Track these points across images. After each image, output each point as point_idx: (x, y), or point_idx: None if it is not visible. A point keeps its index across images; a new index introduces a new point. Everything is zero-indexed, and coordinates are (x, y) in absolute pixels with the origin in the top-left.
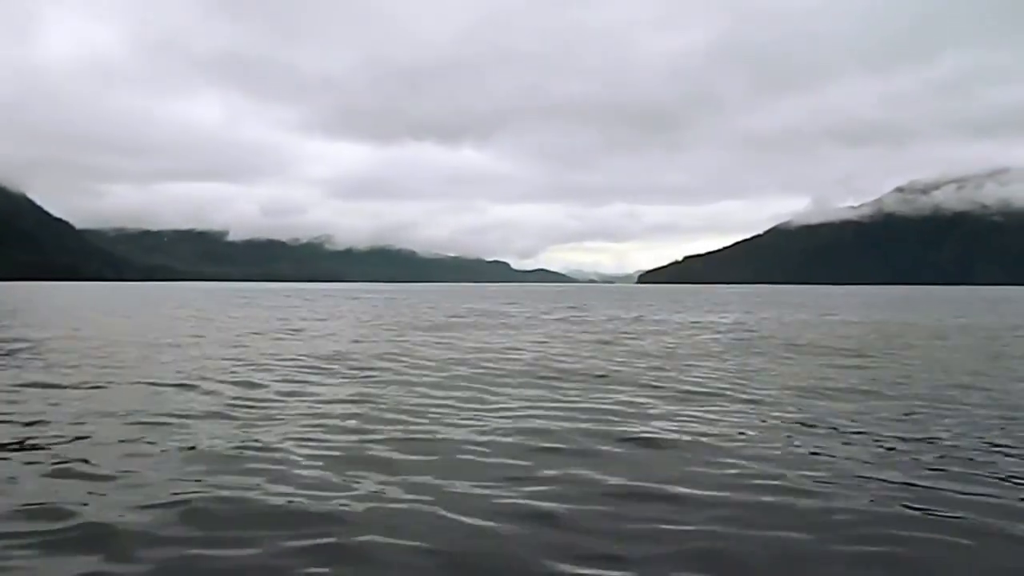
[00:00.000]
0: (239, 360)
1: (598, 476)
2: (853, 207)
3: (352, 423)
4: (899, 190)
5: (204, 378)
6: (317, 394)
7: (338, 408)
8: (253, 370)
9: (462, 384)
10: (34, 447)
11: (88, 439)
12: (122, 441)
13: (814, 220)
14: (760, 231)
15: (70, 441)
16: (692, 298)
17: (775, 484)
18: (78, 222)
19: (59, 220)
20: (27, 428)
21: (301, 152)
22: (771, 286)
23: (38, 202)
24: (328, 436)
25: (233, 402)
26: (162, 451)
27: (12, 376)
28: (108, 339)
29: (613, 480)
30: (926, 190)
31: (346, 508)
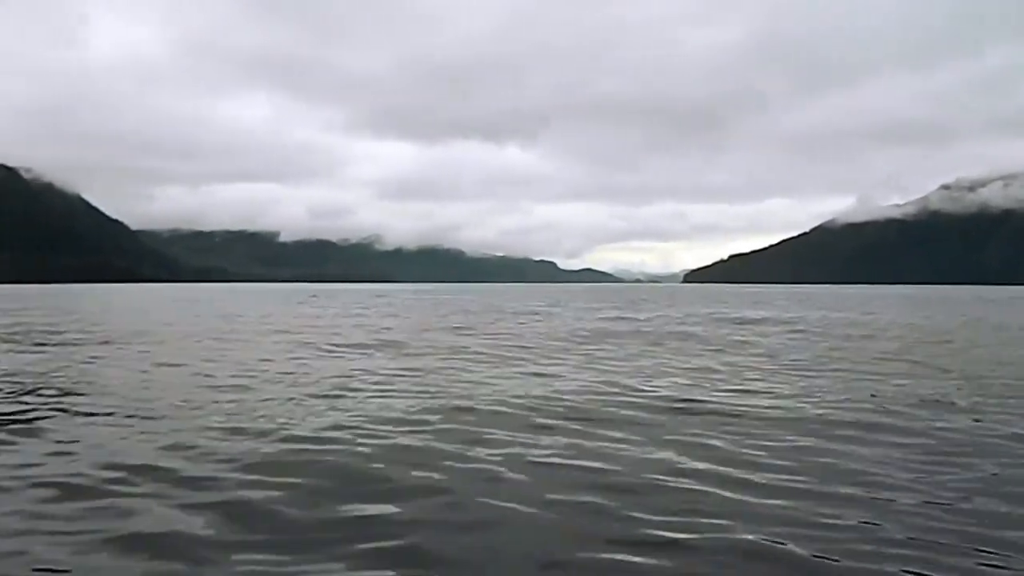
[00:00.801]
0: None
1: None
2: (898, 205)
3: None
4: (945, 188)
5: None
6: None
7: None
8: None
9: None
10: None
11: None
12: None
13: (859, 219)
14: (805, 230)
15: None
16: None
17: None
18: (133, 224)
19: (115, 221)
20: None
21: (349, 153)
22: (825, 286)
23: (94, 204)
24: None
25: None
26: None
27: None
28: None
29: None
30: (972, 187)
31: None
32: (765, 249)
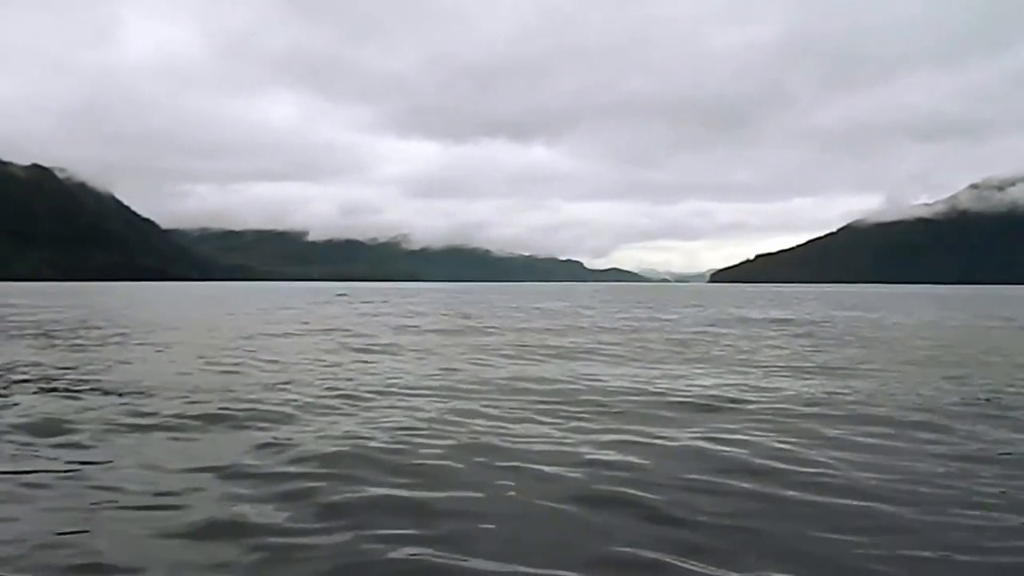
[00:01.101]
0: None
1: None
2: (927, 204)
3: None
4: (974, 187)
5: None
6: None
7: None
8: None
9: None
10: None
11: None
12: None
13: (887, 218)
14: (833, 229)
15: None
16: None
17: None
18: (163, 223)
19: (146, 220)
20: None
21: (375, 151)
22: (853, 286)
23: (126, 203)
24: None
25: None
26: None
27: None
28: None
29: None
30: (1002, 186)
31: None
32: (792, 249)
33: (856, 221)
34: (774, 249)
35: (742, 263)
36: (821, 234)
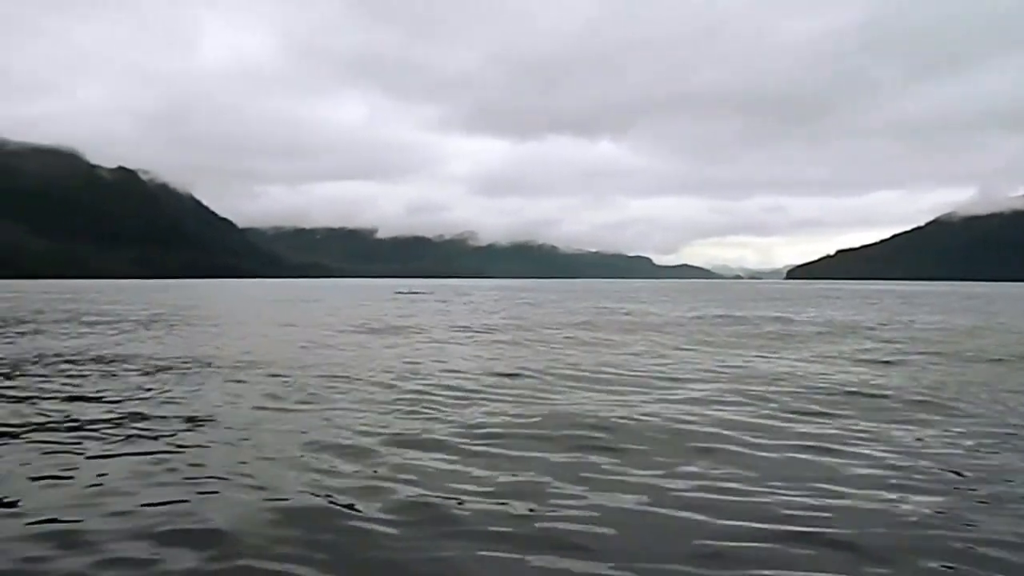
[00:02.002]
0: None
1: None
2: None
3: None
4: None
5: None
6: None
7: None
8: None
9: None
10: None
11: None
12: None
13: (980, 211)
14: (919, 223)
15: None
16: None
17: None
18: (239, 222)
19: (223, 220)
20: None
21: (442, 150)
22: (945, 283)
23: (205, 203)
24: None
25: None
26: None
27: None
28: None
29: None
30: None
31: None
32: (875, 244)
33: (945, 215)
34: (856, 244)
35: (821, 259)
36: (907, 229)
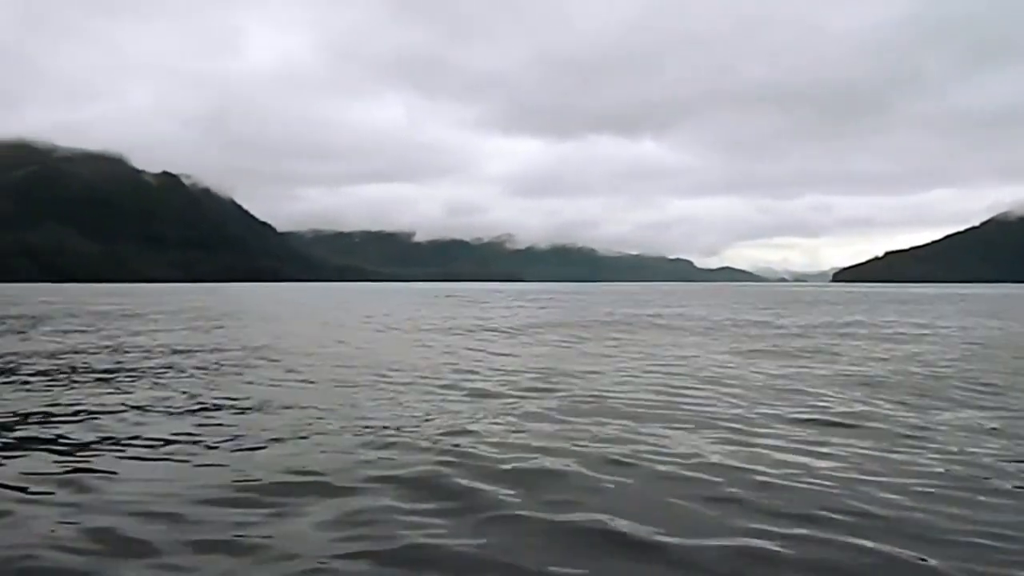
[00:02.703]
0: None
1: None
2: None
3: None
4: None
5: None
6: None
7: None
8: None
9: None
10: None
11: None
12: None
13: None
14: (974, 223)
15: None
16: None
17: None
18: (279, 225)
19: (263, 224)
20: None
21: (480, 150)
22: (1005, 286)
23: (245, 207)
24: None
25: None
26: None
27: None
28: None
29: None
30: None
31: None
32: (927, 245)
33: (1003, 213)
34: (905, 246)
35: (869, 261)
36: (961, 229)
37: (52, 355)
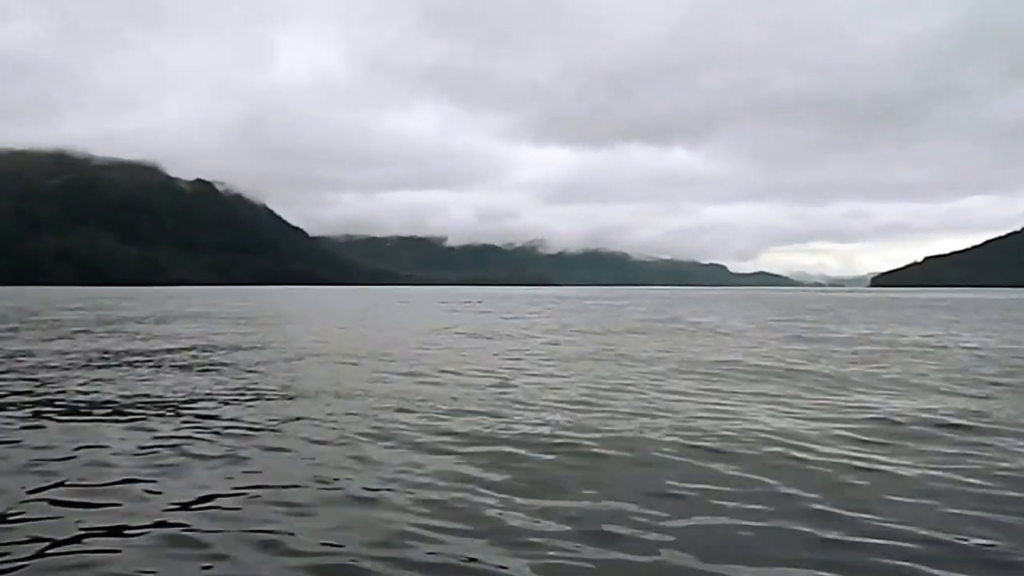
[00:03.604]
0: None
1: None
2: None
3: None
4: None
5: None
6: None
7: None
8: None
9: None
10: None
11: None
12: None
13: None
14: (1015, 228)
15: None
16: None
17: None
18: (311, 230)
19: (296, 228)
20: None
21: (512, 158)
22: None
23: (278, 212)
24: None
25: None
26: None
27: None
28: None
29: None
30: None
31: None
32: (967, 250)
33: None
34: (944, 251)
35: (907, 266)
36: (1001, 234)
37: (235, 347)
